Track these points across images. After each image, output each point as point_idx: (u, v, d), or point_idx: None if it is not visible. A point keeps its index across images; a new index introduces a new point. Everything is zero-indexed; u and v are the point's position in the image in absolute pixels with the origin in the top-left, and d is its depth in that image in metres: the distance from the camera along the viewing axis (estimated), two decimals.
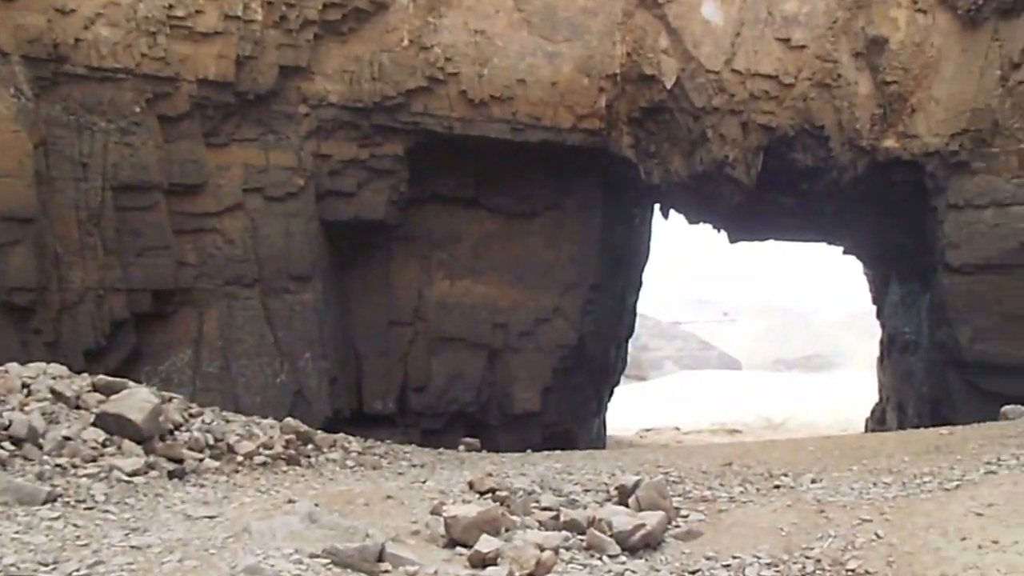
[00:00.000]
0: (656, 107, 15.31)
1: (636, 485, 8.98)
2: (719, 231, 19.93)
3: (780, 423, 29.15)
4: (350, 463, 10.39)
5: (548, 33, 14.67)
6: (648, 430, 28.09)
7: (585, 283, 16.45)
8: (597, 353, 17.64)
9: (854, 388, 34.76)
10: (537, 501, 8.75)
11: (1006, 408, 12.09)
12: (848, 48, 15.29)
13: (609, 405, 21.35)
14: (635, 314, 21.12)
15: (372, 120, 14.16)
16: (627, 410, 30.29)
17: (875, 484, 9.20)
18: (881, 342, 21.52)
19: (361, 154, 14.28)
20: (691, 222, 19.52)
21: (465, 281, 15.83)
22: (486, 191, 15.82)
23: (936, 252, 15.42)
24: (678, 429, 28.23)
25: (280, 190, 13.53)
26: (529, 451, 13.41)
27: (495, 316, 15.93)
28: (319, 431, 11.52)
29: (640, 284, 20.58)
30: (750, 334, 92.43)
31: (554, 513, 8.34)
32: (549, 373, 16.15)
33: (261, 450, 8.86)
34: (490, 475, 9.80)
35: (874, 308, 22.24)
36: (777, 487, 9.52)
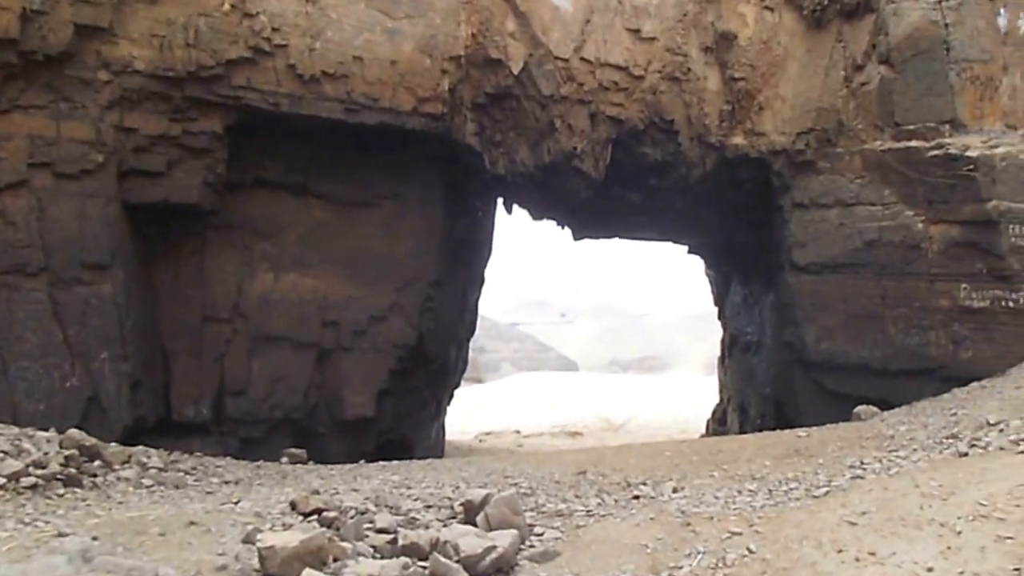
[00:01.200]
0: (502, 93, 14.44)
1: (485, 500, 8.02)
2: (563, 228, 19.34)
3: (620, 424, 29.10)
4: (147, 482, 8.91)
5: (388, 8, 13.50)
6: (488, 434, 27.63)
7: (425, 279, 15.32)
8: (437, 354, 16.54)
9: (689, 389, 35.28)
10: (371, 522, 7.62)
11: (859, 409, 11.84)
12: (698, 42, 14.90)
13: (448, 408, 20.39)
14: (477, 313, 20.23)
15: (186, 92, 12.55)
16: (465, 413, 29.60)
17: (740, 492, 8.57)
18: (722, 342, 21.45)
19: (172, 129, 12.63)
20: (535, 218, 18.82)
21: (292, 275, 14.41)
22: (317, 177, 14.46)
23: (782, 251, 15.21)
24: (518, 432, 27.88)
25: (74, 166, 11.70)
26: (362, 461, 12.26)
27: (325, 313, 14.56)
28: (113, 444, 9.99)
29: (482, 281, 19.72)
30: (586, 336, 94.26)
31: (391, 536, 7.26)
32: (385, 375, 14.92)
33: (31, 470, 7.28)
34: (316, 492, 8.60)
35: (714, 309, 22.20)
36: (637, 497, 8.78)
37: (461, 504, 8.14)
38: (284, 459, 11.88)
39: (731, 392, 20.62)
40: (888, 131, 14.16)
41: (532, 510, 8.42)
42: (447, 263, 16.14)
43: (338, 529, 7.24)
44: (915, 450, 9.04)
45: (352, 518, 7.60)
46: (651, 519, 7.89)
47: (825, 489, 8.17)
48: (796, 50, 14.89)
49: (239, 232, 14.13)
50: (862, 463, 8.85)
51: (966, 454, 8.43)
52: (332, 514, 7.58)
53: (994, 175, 13.17)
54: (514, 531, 7.44)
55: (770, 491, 8.41)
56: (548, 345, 75.16)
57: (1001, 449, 8.35)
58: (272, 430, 14.19)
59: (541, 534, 7.74)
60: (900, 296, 13.79)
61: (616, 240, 20.35)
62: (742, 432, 18.59)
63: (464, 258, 17.77)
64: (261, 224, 14.27)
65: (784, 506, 7.89)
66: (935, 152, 13.54)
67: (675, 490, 8.77)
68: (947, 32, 13.77)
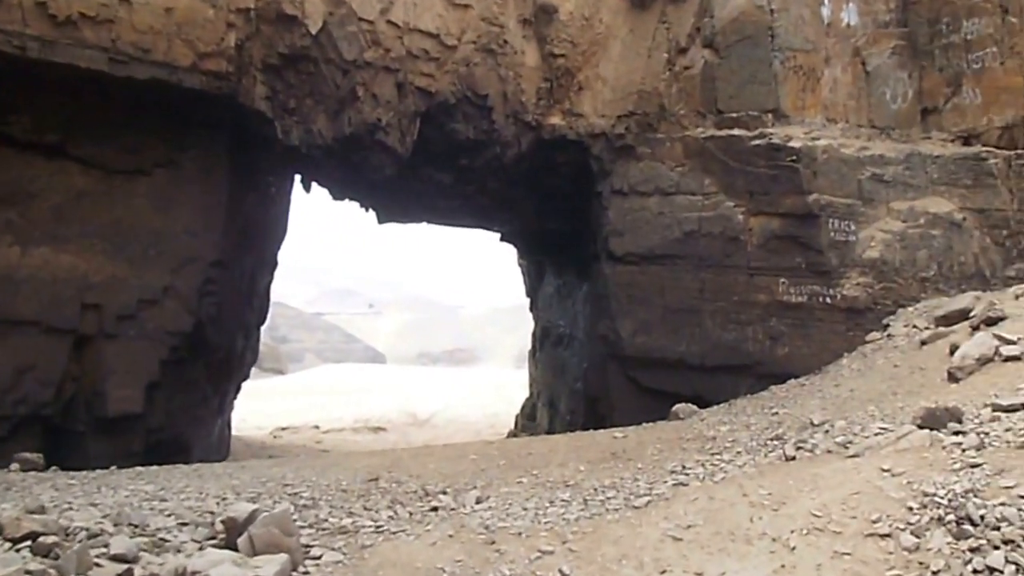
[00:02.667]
0: (298, 55, 12.91)
1: (250, 518, 6.65)
2: (368, 210, 17.94)
3: (426, 419, 28.06)
4: None
5: None
6: (284, 429, 25.83)
7: (205, 259, 13.50)
8: (219, 342, 14.73)
9: (499, 383, 34.63)
10: (105, 547, 6.10)
11: (677, 407, 11.12)
12: (515, 13, 13.89)
13: (236, 402, 18.59)
14: (268, 298, 18.45)
15: None
16: (264, 406, 28.31)
17: (552, 502, 7.55)
18: (534, 335, 20.62)
19: None
20: (336, 198, 17.29)
21: (43, 249, 12.31)
22: (77, 138, 12.42)
23: (599, 240, 14.39)
24: (317, 427, 26.31)
25: None
26: (114, 467, 10.52)
27: (85, 295, 12.55)
28: None
29: (275, 264, 18.01)
30: (395, 327, 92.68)
31: (126, 567, 5.79)
32: (155, 366, 13.02)
33: None
34: (38, 510, 6.93)
35: (527, 301, 21.33)
36: (435, 509, 7.64)
37: (223, 522, 6.76)
38: (14, 465, 9.95)
39: (541, 387, 19.84)
40: (710, 118, 13.59)
41: (311, 526, 7.16)
42: (232, 243, 14.45)
43: (56, 559, 5.72)
44: (739, 453, 8.31)
45: (79, 543, 6.10)
46: (450, 536, 6.78)
47: (646, 498, 7.28)
48: (619, 29, 14.11)
49: None
50: (684, 468, 8.03)
51: (793, 458, 7.75)
52: (51, 539, 6.03)
53: (815, 168, 12.84)
54: (284, 556, 6.25)
55: (585, 501, 7.44)
56: (355, 336, 73.69)
57: (829, 452, 7.73)
58: (17, 429, 12.08)
59: (318, 557, 6.53)
60: (718, 289, 13.23)
61: (425, 225, 19.12)
62: (552, 429, 17.88)
63: (253, 238, 16.09)
64: (5, 190, 12.16)
65: (601, 519, 6.93)
66: (757, 141, 13.06)
67: (479, 500, 7.67)
68: (772, 18, 13.35)
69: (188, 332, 13.39)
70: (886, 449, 7.30)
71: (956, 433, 7.12)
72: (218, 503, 7.75)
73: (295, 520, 6.94)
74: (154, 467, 10.40)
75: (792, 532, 6.20)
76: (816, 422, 8.73)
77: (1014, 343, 9.03)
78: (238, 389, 18.42)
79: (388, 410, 29.25)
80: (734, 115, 13.43)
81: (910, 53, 14.11)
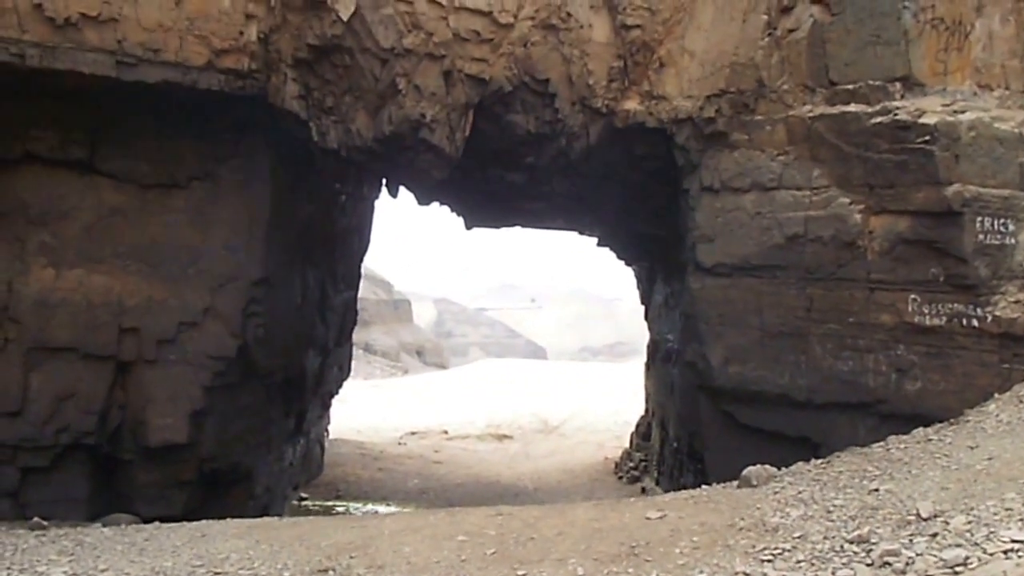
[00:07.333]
0: (330, 46, 11.33)
1: None
2: (458, 216, 16.43)
3: (556, 426, 26.65)
4: None
5: None
6: (413, 434, 25.41)
7: (247, 277, 12.41)
8: (273, 365, 13.44)
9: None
10: None
11: (749, 471, 8.75)
12: None
13: (323, 418, 17.72)
14: (351, 312, 17.34)
15: None
16: (402, 408, 28.47)
17: None
18: (648, 347, 18.43)
19: None
20: (421, 203, 15.77)
21: (77, 271, 11.56)
22: (105, 152, 11.60)
23: (687, 248, 11.96)
24: (446, 433, 25.70)
25: None
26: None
27: (122, 318, 11.73)
28: None
29: (357, 275, 16.94)
30: (556, 322, 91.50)
31: None
32: (198, 393, 12.03)
33: None
34: None
35: (643, 308, 19.19)
36: None
37: None
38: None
39: (654, 405, 17.64)
40: (820, 92, 10.84)
41: None
42: (284, 257, 13.35)
43: None
44: (798, 564, 6.00)
45: None
46: None
47: None
48: None
49: (8, 220, 11.39)
50: None
51: None
52: None
53: (958, 149, 9.92)
54: None
55: None
56: (517, 331, 73.30)
57: None
58: (61, 458, 11.46)
59: None
60: (830, 308, 10.53)
61: (518, 228, 17.45)
62: (662, 453, 15.87)
63: (320, 250, 15.01)
64: (36, 209, 11.56)
65: None
66: (879, 119, 10.23)
67: None
68: None
69: (232, 356, 12.33)
70: None
71: None
72: None
73: None
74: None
75: None
76: (924, 515, 6.31)
77: None
78: (327, 405, 17.54)
79: (520, 415, 28.05)
80: (850, 87, 10.61)
81: None
